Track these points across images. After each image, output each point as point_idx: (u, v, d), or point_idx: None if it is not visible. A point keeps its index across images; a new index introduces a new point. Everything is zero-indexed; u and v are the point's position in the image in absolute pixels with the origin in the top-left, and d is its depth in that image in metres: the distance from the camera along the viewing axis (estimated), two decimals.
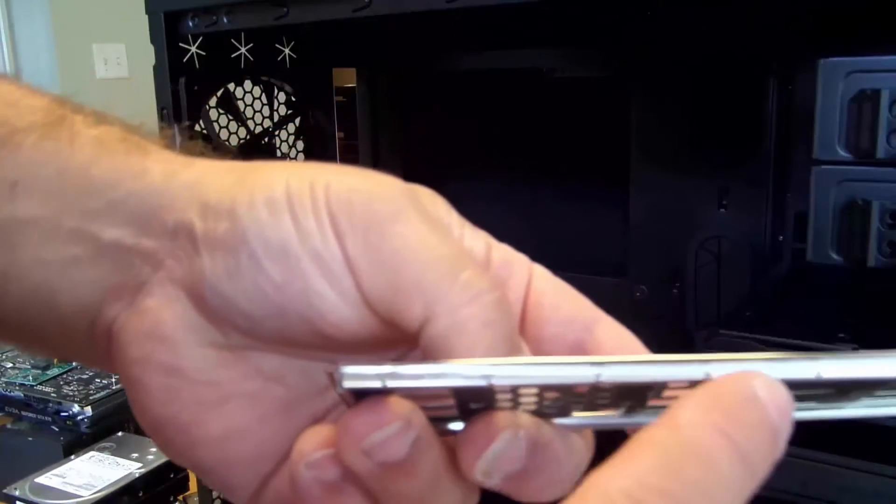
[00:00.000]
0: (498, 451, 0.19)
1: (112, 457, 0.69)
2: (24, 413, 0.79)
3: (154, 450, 0.70)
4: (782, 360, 0.17)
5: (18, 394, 0.80)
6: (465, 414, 0.19)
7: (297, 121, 0.72)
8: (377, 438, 0.18)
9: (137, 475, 0.66)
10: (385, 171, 0.21)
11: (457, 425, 0.20)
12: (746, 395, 0.16)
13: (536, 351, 0.23)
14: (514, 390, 0.18)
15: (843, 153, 0.44)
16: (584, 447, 0.21)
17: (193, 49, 0.60)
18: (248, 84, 0.68)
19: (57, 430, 0.77)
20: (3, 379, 0.83)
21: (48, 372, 0.84)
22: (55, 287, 0.21)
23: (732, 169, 0.58)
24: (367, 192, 0.20)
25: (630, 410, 0.19)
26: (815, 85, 0.44)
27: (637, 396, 0.19)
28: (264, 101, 0.69)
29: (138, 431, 0.75)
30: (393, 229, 0.20)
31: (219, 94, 0.65)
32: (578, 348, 0.22)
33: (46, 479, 0.66)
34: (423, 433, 0.19)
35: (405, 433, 0.18)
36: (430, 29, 0.65)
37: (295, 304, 0.20)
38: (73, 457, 0.70)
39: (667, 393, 0.18)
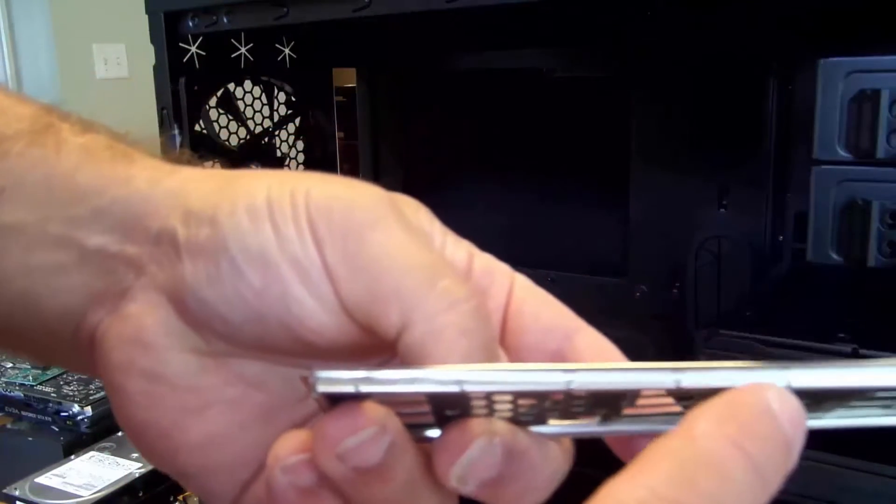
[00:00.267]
0: (473, 457, 0.19)
1: (112, 457, 0.69)
2: (24, 413, 0.79)
3: None
4: (751, 368, 0.17)
5: (18, 394, 0.80)
6: (442, 421, 0.19)
7: (297, 121, 0.73)
8: (351, 443, 0.18)
9: (137, 475, 0.66)
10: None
11: (434, 432, 0.20)
12: (761, 407, 0.16)
13: (516, 359, 0.23)
14: (489, 397, 0.18)
15: (843, 153, 0.44)
16: (561, 455, 0.21)
17: (193, 49, 0.60)
18: (248, 84, 0.68)
19: (57, 430, 0.77)
20: (3, 379, 0.83)
21: (48, 372, 0.84)
22: (40, 293, 0.21)
23: (732, 169, 0.58)
24: (347, 199, 0.21)
25: (605, 419, 0.19)
26: (815, 85, 0.44)
27: (611, 405, 0.19)
28: (264, 101, 0.69)
29: None
30: (372, 237, 0.20)
31: (219, 94, 0.65)
32: (558, 357, 0.22)
33: (46, 479, 0.66)
34: (397, 438, 0.19)
35: (380, 438, 0.18)
36: (429, 29, 0.65)
37: (274, 310, 0.20)
38: (73, 457, 0.70)
39: (640, 401, 0.19)
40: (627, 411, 0.19)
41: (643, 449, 0.20)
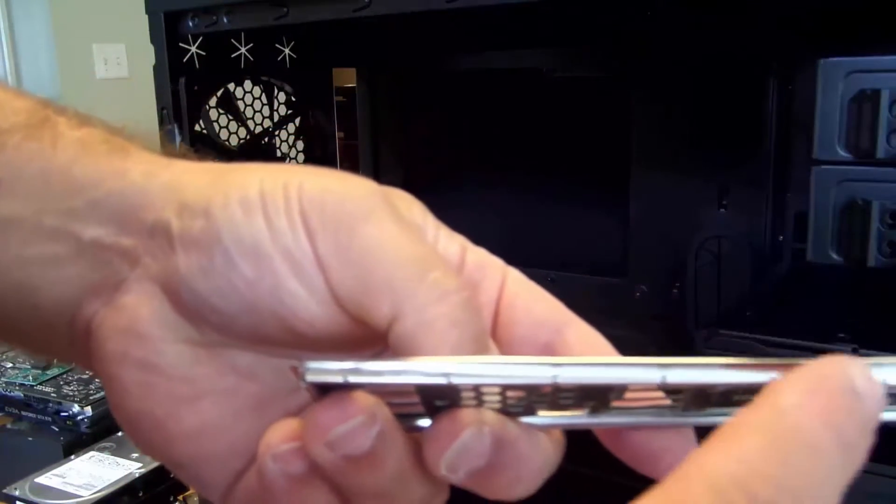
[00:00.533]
0: (463, 446, 0.19)
1: (112, 457, 0.69)
2: (24, 413, 0.80)
3: None
4: (740, 366, 0.17)
5: (18, 394, 0.80)
6: (432, 411, 0.20)
7: (297, 121, 0.73)
8: (341, 431, 0.19)
9: (137, 475, 0.66)
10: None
11: (424, 422, 0.20)
12: (845, 383, 0.15)
13: (507, 352, 0.23)
14: (478, 389, 0.19)
15: (843, 153, 0.44)
16: (550, 447, 0.21)
17: (193, 49, 0.60)
18: (248, 84, 0.68)
19: (57, 430, 0.77)
20: (3, 379, 0.83)
21: (48, 372, 0.84)
22: (36, 285, 0.22)
23: (732, 169, 0.58)
24: (339, 192, 0.21)
25: (594, 411, 0.20)
26: (815, 85, 0.44)
27: (599, 397, 0.19)
28: (264, 101, 0.69)
29: None
30: (363, 229, 0.20)
31: (219, 94, 0.65)
32: (548, 350, 0.22)
33: (46, 479, 0.66)
34: (387, 427, 0.19)
35: (369, 427, 0.19)
36: (429, 29, 0.65)
37: (266, 302, 0.20)
38: (73, 457, 0.70)
39: (629, 395, 0.19)
40: (616, 404, 0.19)
41: (642, 442, 0.20)
